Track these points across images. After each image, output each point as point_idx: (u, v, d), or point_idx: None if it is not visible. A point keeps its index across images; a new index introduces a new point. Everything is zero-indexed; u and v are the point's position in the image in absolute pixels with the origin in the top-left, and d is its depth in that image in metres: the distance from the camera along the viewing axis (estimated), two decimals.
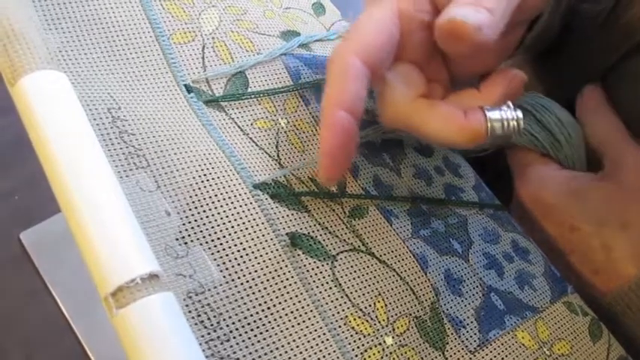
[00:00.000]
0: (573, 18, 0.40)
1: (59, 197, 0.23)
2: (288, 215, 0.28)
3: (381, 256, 0.30)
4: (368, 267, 0.29)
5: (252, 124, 0.31)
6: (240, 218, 0.27)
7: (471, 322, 0.30)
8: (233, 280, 0.25)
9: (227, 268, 0.26)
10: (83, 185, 0.23)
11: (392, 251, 0.30)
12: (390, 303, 0.28)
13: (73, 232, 0.23)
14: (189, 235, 0.26)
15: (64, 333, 0.57)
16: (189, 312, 0.24)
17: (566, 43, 0.41)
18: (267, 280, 0.26)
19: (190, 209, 0.26)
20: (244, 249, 0.26)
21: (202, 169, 0.27)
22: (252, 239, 0.27)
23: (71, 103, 0.25)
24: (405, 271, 0.30)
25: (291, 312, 0.26)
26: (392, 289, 0.29)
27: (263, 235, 0.27)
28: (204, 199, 0.27)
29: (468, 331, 0.30)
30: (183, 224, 0.26)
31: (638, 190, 0.36)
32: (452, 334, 0.29)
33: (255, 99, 0.32)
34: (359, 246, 0.29)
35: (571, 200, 0.37)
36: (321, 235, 0.29)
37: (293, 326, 0.25)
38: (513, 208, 0.39)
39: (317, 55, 0.36)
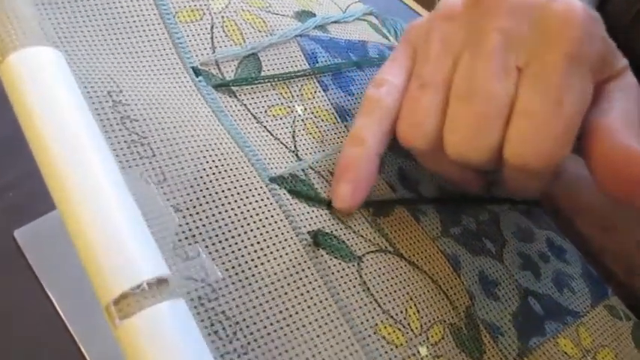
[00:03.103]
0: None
1: (53, 191, 0.20)
2: (308, 212, 0.25)
3: (410, 257, 0.27)
4: (397, 269, 0.26)
5: (266, 112, 0.28)
6: (257, 215, 0.24)
7: (509, 329, 0.27)
8: (250, 284, 0.23)
9: (243, 271, 0.23)
10: (80, 177, 0.20)
11: (421, 252, 0.27)
12: (423, 309, 0.25)
13: (69, 231, 0.20)
14: (200, 234, 0.23)
15: (60, 333, 0.55)
16: (202, 321, 0.21)
17: None
18: (289, 284, 0.23)
19: (201, 204, 0.23)
20: (262, 249, 0.23)
21: (214, 160, 0.25)
22: (271, 238, 0.24)
23: (68, 83, 0.22)
24: (437, 273, 0.27)
25: (316, 320, 0.23)
26: (424, 293, 0.26)
27: (282, 234, 0.24)
28: (216, 193, 0.24)
29: (506, 339, 0.27)
30: (194, 221, 0.23)
31: None
32: (489, 342, 0.26)
33: (269, 83, 0.29)
34: (386, 246, 0.26)
35: (605, 199, 0.35)
36: (345, 234, 0.26)
37: (318, 336, 0.23)
38: (543, 206, 0.36)
39: (334, 37, 0.33)
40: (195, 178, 0.24)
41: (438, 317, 0.26)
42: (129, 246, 0.19)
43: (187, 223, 0.23)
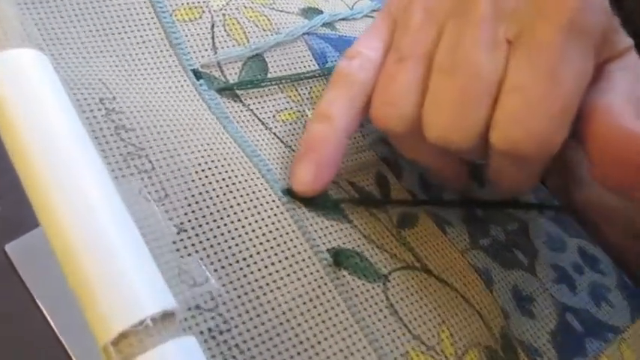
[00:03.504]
0: None
1: (38, 211, 0.18)
2: (327, 227, 0.23)
3: (439, 273, 0.24)
4: (426, 287, 0.23)
5: (274, 117, 0.26)
6: (270, 232, 0.22)
7: (548, 350, 0.25)
8: (266, 312, 0.20)
9: (257, 297, 0.20)
10: (69, 195, 0.17)
11: (451, 267, 0.25)
12: (457, 332, 0.23)
13: (58, 259, 0.17)
14: (207, 257, 0.20)
15: (53, 348, 0.53)
16: (213, 357, 0.18)
17: None
18: (308, 311, 0.21)
19: (208, 222, 0.21)
20: (277, 272, 0.21)
21: (220, 173, 0.22)
22: (287, 258, 0.21)
23: (54, 88, 0.19)
24: (469, 290, 0.24)
25: (340, 350, 0.20)
26: (456, 314, 0.23)
27: (299, 253, 0.22)
28: (225, 209, 0.21)
29: None
30: (201, 242, 0.20)
31: None
32: None
33: (276, 86, 0.27)
34: (412, 262, 0.24)
35: (636, 205, 0.32)
36: (367, 250, 0.23)
37: None
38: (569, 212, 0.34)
39: (343, 35, 0.31)
40: (201, 193, 0.21)
41: (472, 340, 0.23)
42: (128, 275, 0.16)
43: (193, 245, 0.20)
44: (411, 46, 0.23)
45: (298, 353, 0.20)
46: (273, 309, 0.20)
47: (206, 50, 0.26)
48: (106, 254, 0.17)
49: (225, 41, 0.27)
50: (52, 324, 0.55)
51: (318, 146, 0.23)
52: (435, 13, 0.23)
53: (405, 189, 0.27)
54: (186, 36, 0.26)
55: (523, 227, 0.29)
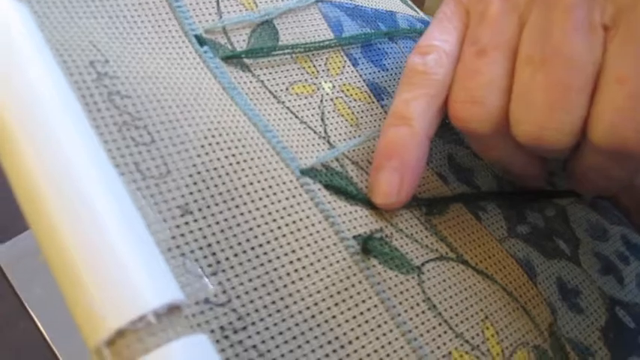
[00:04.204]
0: None
1: (17, 188, 0.14)
2: (351, 212, 0.20)
3: (476, 264, 0.21)
4: (465, 280, 0.21)
5: (287, 89, 0.23)
6: (289, 215, 0.19)
7: (600, 349, 0.22)
8: (287, 306, 0.17)
9: (277, 289, 0.17)
10: (56, 172, 0.14)
11: (489, 257, 0.22)
12: (502, 329, 0.20)
13: (40, 244, 0.14)
14: (217, 243, 0.17)
15: (43, 354, 0.51)
16: None
17: None
18: (337, 305, 0.18)
19: (217, 204, 0.18)
20: (299, 260, 0.18)
21: (230, 148, 0.19)
22: (309, 245, 0.18)
23: (36, 46, 0.16)
24: (511, 283, 0.22)
25: (375, 350, 0.17)
26: (499, 309, 0.21)
27: (323, 239, 0.19)
28: (236, 189, 0.18)
29: None
30: (209, 225, 0.17)
31: None
32: None
33: (289, 56, 0.24)
34: (447, 252, 0.21)
35: None
36: (397, 239, 0.20)
37: None
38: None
39: (360, 5, 0.28)
40: (208, 170, 0.18)
41: (519, 338, 0.20)
42: (125, 263, 0.13)
43: (200, 229, 0.17)
44: (491, 36, 0.21)
45: (327, 355, 0.17)
46: (295, 303, 0.17)
47: (210, 15, 0.23)
48: (99, 239, 0.14)
49: (232, 5, 0.24)
50: (41, 329, 0.52)
51: (400, 151, 0.21)
52: (515, 0, 0.21)
53: (434, 172, 0.24)
54: None
55: (562, 213, 0.26)
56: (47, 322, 0.52)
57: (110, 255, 0.13)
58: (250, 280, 0.17)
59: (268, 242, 0.18)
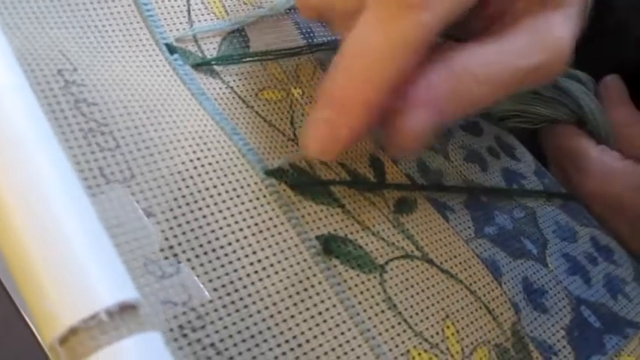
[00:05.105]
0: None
1: None
2: (316, 212, 0.21)
3: (441, 263, 0.22)
4: (427, 279, 0.21)
5: (257, 95, 0.23)
6: (252, 217, 0.19)
7: (564, 347, 0.22)
8: (246, 306, 0.17)
9: (237, 290, 0.18)
10: (12, 168, 0.15)
11: (454, 256, 0.22)
12: (463, 328, 0.20)
13: None
14: (179, 244, 0.18)
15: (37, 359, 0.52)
16: (185, 358, 0.16)
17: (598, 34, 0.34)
18: (295, 305, 0.18)
19: (180, 206, 0.18)
20: (259, 261, 0.18)
21: (195, 152, 0.20)
22: (270, 246, 0.19)
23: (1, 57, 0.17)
24: (475, 282, 0.22)
25: (332, 349, 0.18)
26: (462, 308, 0.21)
27: (284, 241, 0.19)
28: (199, 192, 0.19)
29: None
30: (171, 228, 0.18)
31: None
32: None
33: (259, 63, 0.24)
34: (412, 251, 0.22)
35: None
36: (362, 237, 0.21)
37: None
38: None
39: None
40: (172, 174, 0.19)
41: (481, 337, 0.21)
42: (79, 261, 0.14)
43: (163, 231, 0.18)
44: None
45: (284, 353, 0.17)
46: (254, 303, 0.18)
47: (181, 24, 0.24)
48: (54, 237, 0.14)
49: (202, 14, 0.24)
50: (35, 333, 0.53)
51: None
52: None
53: (402, 172, 0.24)
54: (159, 8, 0.23)
55: (531, 215, 0.26)
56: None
57: (65, 255, 0.14)
58: (210, 280, 0.17)
59: (230, 244, 0.18)
